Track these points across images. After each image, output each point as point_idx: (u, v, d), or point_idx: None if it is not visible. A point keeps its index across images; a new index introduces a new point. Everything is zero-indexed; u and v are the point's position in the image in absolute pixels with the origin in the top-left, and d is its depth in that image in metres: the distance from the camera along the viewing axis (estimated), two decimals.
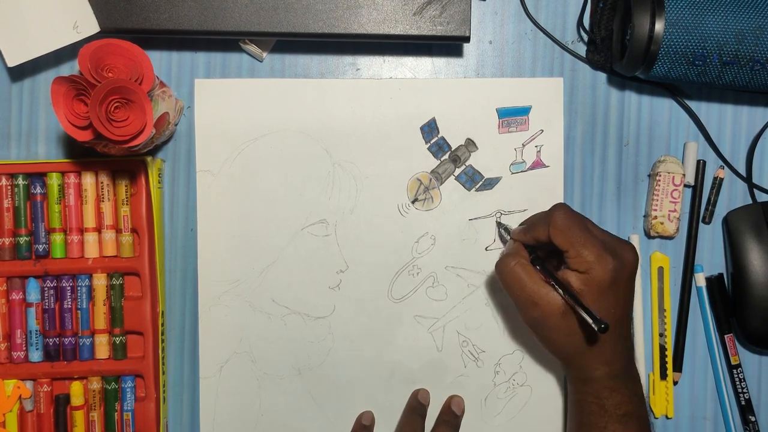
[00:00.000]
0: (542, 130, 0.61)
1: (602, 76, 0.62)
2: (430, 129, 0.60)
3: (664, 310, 0.61)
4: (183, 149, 0.61)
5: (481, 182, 0.61)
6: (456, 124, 0.61)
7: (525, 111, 0.61)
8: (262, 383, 0.61)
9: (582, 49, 0.61)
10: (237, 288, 0.60)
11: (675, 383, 0.62)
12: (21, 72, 0.60)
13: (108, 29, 0.56)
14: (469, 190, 0.61)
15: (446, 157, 0.61)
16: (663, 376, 0.61)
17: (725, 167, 0.62)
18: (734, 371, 0.61)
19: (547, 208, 0.59)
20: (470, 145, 0.60)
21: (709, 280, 0.61)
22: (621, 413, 0.53)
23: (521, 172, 0.61)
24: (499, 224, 0.61)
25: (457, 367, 0.61)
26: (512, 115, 0.61)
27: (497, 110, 0.61)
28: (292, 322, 0.61)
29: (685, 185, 0.61)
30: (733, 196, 0.62)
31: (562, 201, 0.61)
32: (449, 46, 0.61)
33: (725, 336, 0.61)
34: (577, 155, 0.61)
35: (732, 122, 0.62)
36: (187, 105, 0.60)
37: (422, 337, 0.61)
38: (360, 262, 0.61)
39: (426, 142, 0.61)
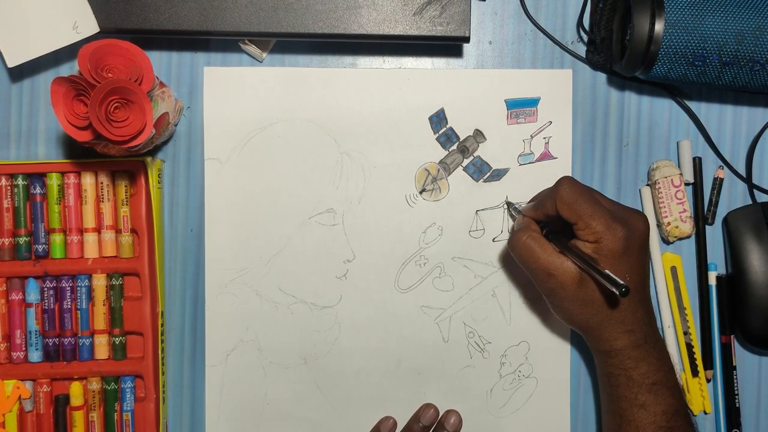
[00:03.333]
0: (550, 122, 0.61)
1: (602, 77, 0.62)
2: (438, 119, 0.60)
3: (684, 308, 0.61)
4: (183, 149, 0.61)
5: (489, 173, 0.61)
6: (465, 115, 0.60)
7: (534, 102, 0.61)
8: (268, 372, 0.61)
9: (582, 50, 0.61)
10: (244, 276, 0.60)
11: (708, 381, 0.61)
12: (21, 72, 0.60)
13: (108, 29, 0.56)
14: (476, 181, 0.61)
15: (454, 147, 0.61)
16: (694, 373, 0.61)
17: (725, 167, 0.61)
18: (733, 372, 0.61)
19: None
20: (479, 135, 0.60)
21: (719, 279, 0.61)
22: (650, 382, 0.52)
23: (529, 163, 0.61)
24: (508, 204, 0.60)
25: (463, 358, 0.61)
26: (521, 107, 0.61)
27: (506, 101, 0.61)
28: (298, 311, 0.61)
29: (686, 184, 0.61)
30: (733, 197, 0.62)
31: None
32: (449, 46, 0.61)
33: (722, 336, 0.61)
34: (577, 155, 0.61)
35: (732, 123, 0.62)
36: (187, 105, 0.60)
37: (428, 327, 0.61)
38: (367, 251, 0.61)
39: (434, 133, 0.61)
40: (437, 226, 0.61)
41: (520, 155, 0.61)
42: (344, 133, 0.60)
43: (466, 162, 0.61)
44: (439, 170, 0.61)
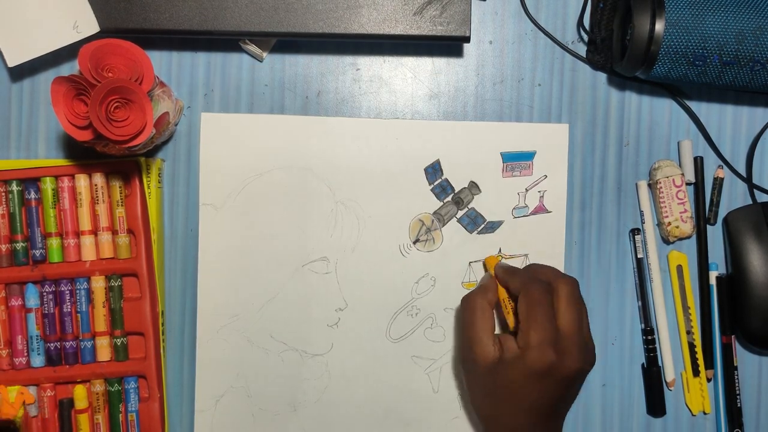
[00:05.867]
0: (546, 176, 0.61)
1: (602, 76, 0.62)
2: (434, 170, 0.61)
3: (688, 308, 0.61)
4: (183, 149, 0.60)
5: (483, 225, 0.61)
6: (460, 167, 0.60)
7: (529, 156, 0.61)
8: (257, 419, 0.60)
9: (582, 49, 0.62)
10: (236, 323, 0.60)
11: (708, 380, 0.62)
12: (21, 72, 0.60)
13: (108, 29, 0.56)
14: (470, 232, 0.61)
15: (449, 199, 0.61)
16: (695, 373, 0.61)
17: (724, 167, 0.62)
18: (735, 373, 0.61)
19: (547, 254, 0.60)
20: (473, 188, 0.60)
21: (718, 279, 0.61)
22: None
23: (523, 216, 0.61)
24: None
25: (453, 409, 0.61)
26: (516, 160, 0.61)
27: (502, 154, 0.61)
28: (289, 359, 0.60)
29: (687, 183, 0.61)
30: (733, 197, 0.62)
31: (563, 247, 0.61)
32: (449, 46, 0.61)
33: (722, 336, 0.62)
34: (577, 155, 0.61)
35: (732, 122, 0.62)
36: (187, 105, 0.60)
37: (418, 378, 0.61)
38: (359, 300, 0.61)
39: (429, 184, 0.61)
40: (430, 277, 0.61)
41: (514, 208, 0.61)
42: (340, 182, 0.60)
43: (460, 213, 0.61)
44: (433, 221, 0.61)
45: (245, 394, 0.60)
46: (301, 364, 0.60)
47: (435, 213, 0.61)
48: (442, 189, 0.61)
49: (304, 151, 0.60)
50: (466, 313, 0.55)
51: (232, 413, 0.60)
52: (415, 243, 0.61)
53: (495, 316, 0.55)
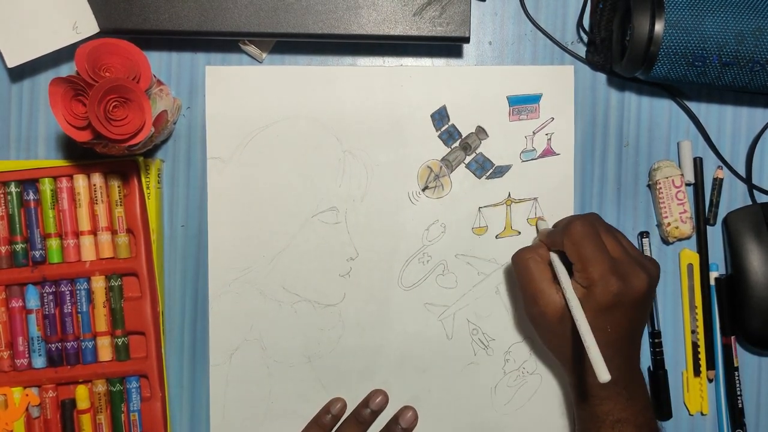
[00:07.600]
0: (552, 118, 0.61)
1: (602, 77, 0.62)
2: (440, 116, 0.60)
3: (695, 307, 0.61)
4: (183, 149, 0.61)
5: (491, 170, 0.61)
6: (466, 112, 0.61)
7: (536, 99, 0.61)
8: (272, 371, 0.61)
9: (582, 50, 0.61)
10: (247, 275, 0.60)
11: (710, 381, 0.62)
12: (21, 72, 0.60)
13: (107, 30, 0.56)
14: (479, 177, 0.61)
15: (457, 144, 0.61)
16: (696, 373, 0.61)
17: (724, 167, 0.61)
18: (735, 373, 0.61)
19: (557, 197, 0.60)
20: (481, 132, 0.60)
21: (718, 280, 0.61)
22: (612, 420, 0.52)
23: (532, 160, 0.61)
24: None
25: (467, 355, 0.61)
26: (523, 103, 0.61)
27: (508, 98, 0.61)
28: (302, 310, 0.61)
29: (687, 184, 0.61)
30: (733, 197, 0.62)
31: (572, 189, 0.61)
32: (449, 46, 0.61)
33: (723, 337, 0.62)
34: (577, 156, 0.61)
35: (732, 123, 0.62)
36: (187, 105, 0.60)
37: (432, 324, 0.61)
38: (370, 249, 0.61)
39: (437, 130, 0.61)
40: (440, 224, 0.61)
41: (522, 152, 0.61)
42: (346, 131, 0.60)
43: (468, 159, 0.61)
44: (441, 167, 0.61)
45: (259, 346, 0.60)
46: (315, 315, 0.61)
47: (443, 159, 0.61)
48: (449, 135, 0.61)
49: (310, 102, 0.60)
50: (520, 269, 0.55)
51: (247, 366, 0.60)
52: (424, 190, 0.61)
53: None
